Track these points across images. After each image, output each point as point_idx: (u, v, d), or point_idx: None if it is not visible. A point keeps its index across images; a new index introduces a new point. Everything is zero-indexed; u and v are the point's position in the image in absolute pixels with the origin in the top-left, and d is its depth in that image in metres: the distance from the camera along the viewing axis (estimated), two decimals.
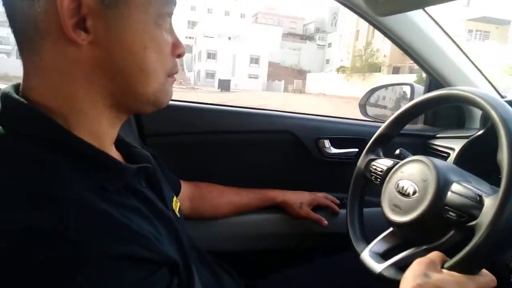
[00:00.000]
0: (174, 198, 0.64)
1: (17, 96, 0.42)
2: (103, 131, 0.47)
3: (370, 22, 1.04)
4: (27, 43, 0.42)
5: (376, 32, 1.05)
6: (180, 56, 0.51)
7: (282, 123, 1.13)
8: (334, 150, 1.13)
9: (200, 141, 1.07)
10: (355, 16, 1.04)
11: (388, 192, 0.74)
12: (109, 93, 0.45)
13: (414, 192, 0.67)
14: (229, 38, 41.21)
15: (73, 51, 0.41)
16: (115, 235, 0.38)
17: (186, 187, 0.88)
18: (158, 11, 0.45)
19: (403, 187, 0.70)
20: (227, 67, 35.88)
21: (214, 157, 1.08)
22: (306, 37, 53.77)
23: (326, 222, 1.03)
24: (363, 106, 1.32)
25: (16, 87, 0.45)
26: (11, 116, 0.42)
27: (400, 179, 0.72)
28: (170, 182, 0.71)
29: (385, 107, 1.32)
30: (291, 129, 1.11)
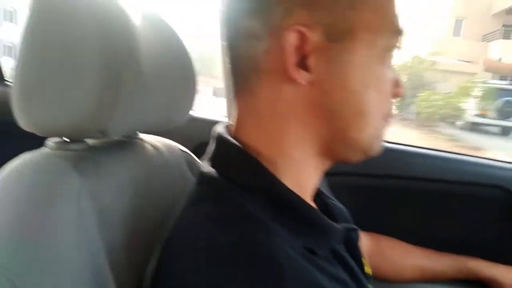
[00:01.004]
0: (364, 260, 0.55)
1: (232, 140, 0.41)
2: (306, 180, 0.42)
3: None
4: (244, 82, 0.41)
5: None
6: (398, 96, 0.43)
7: (492, 174, 0.90)
8: None
9: (386, 185, 0.94)
10: None
11: None
12: (320, 137, 0.40)
13: None
14: None
15: (290, 91, 0.38)
16: None
17: (365, 240, 0.77)
18: (385, 44, 0.39)
19: None
20: None
21: (399, 206, 0.93)
22: None
23: None
24: None
25: (228, 127, 0.45)
26: (226, 160, 0.41)
27: None
28: None
29: None
30: (504, 183, 0.87)
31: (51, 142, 0.43)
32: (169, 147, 0.60)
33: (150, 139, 0.58)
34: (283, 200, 0.38)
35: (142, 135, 0.58)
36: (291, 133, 0.39)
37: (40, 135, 0.41)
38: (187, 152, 0.63)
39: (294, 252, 0.34)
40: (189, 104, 0.57)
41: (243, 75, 0.40)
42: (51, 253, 0.34)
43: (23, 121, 0.40)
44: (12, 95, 0.39)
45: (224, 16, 0.41)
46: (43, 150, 0.42)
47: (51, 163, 0.39)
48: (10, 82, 1.13)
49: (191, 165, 0.62)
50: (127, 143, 0.53)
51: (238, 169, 0.39)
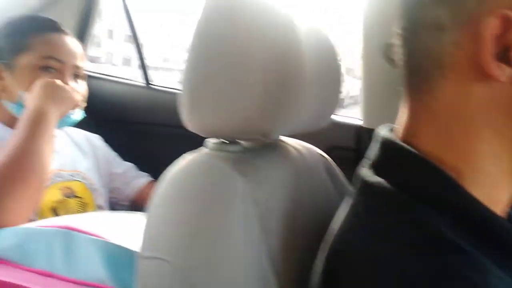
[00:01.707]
0: None
1: (405, 145, 0.35)
2: (499, 198, 0.35)
3: None
4: (422, 81, 0.35)
5: None
6: None
7: None
8: None
9: None
10: None
11: None
12: None
13: None
14: None
15: (481, 90, 0.31)
16: None
17: None
18: None
19: None
20: None
21: None
22: None
23: None
24: None
25: (391, 131, 0.39)
26: (399, 169, 0.36)
27: None
28: None
29: None
30: None
31: (210, 142, 0.44)
32: (310, 151, 0.57)
33: (292, 142, 0.56)
34: (481, 221, 0.31)
35: (284, 138, 0.56)
36: (482, 143, 0.33)
37: (204, 136, 0.42)
38: (325, 157, 0.60)
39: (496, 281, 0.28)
40: (334, 107, 0.54)
41: (421, 72, 0.35)
42: (223, 252, 0.34)
43: (189, 122, 0.41)
44: (180, 97, 0.40)
45: (400, 6, 0.36)
46: (204, 151, 0.43)
47: (216, 164, 0.39)
48: (156, 86, 1.25)
49: (329, 170, 0.59)
50: (274, 146, 0.52)
51: (417, 179, 0.34)
